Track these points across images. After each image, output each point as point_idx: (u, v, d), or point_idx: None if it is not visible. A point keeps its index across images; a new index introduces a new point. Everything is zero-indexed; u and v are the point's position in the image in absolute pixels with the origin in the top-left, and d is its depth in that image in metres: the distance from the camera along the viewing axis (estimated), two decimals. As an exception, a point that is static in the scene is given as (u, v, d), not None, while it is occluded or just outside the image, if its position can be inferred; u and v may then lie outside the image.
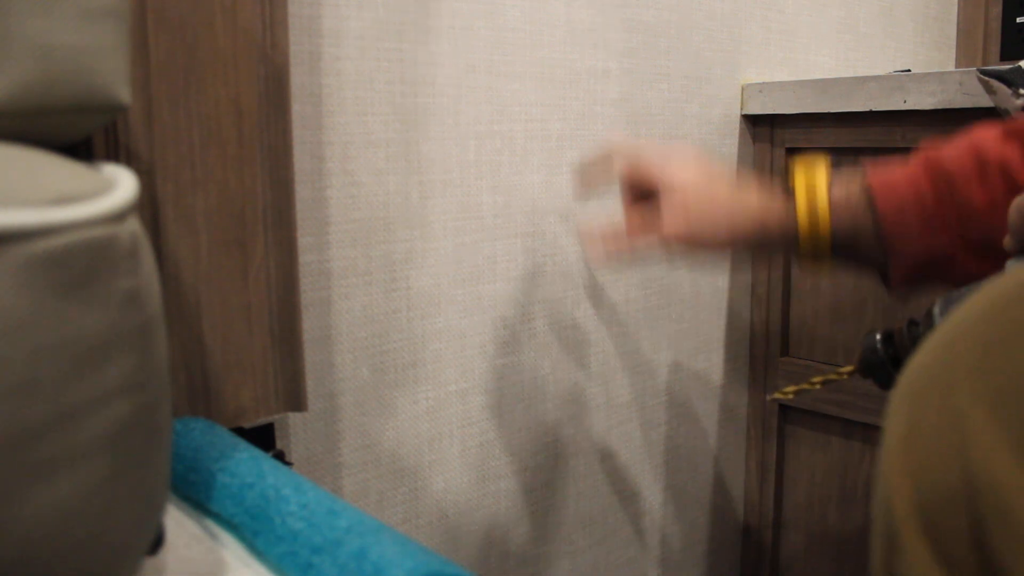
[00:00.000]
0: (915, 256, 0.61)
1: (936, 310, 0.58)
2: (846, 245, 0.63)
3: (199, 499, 0.43)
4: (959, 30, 1.41)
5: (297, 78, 0.61)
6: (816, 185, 0.63)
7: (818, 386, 0.75)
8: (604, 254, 0.65)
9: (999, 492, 0.26)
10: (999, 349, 0.28)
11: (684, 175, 0.63)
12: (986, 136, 0.60)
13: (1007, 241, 0.48)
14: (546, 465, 0.83)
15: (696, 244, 0.64)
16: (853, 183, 0.63)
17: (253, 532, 0.39)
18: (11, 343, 0.26)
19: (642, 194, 0.67)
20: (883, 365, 0.66)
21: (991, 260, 0.59)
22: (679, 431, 0.98)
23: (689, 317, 0.97)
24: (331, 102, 0.63)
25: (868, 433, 0.95)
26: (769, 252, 0.66)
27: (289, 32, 0.54)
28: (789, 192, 0.65)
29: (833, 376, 0.73)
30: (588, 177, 0.71)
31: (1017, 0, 1.35)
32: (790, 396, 0.76)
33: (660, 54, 0.88)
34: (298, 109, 0.61)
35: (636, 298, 0.90)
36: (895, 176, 0.62)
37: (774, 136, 0.98)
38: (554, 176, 0.79)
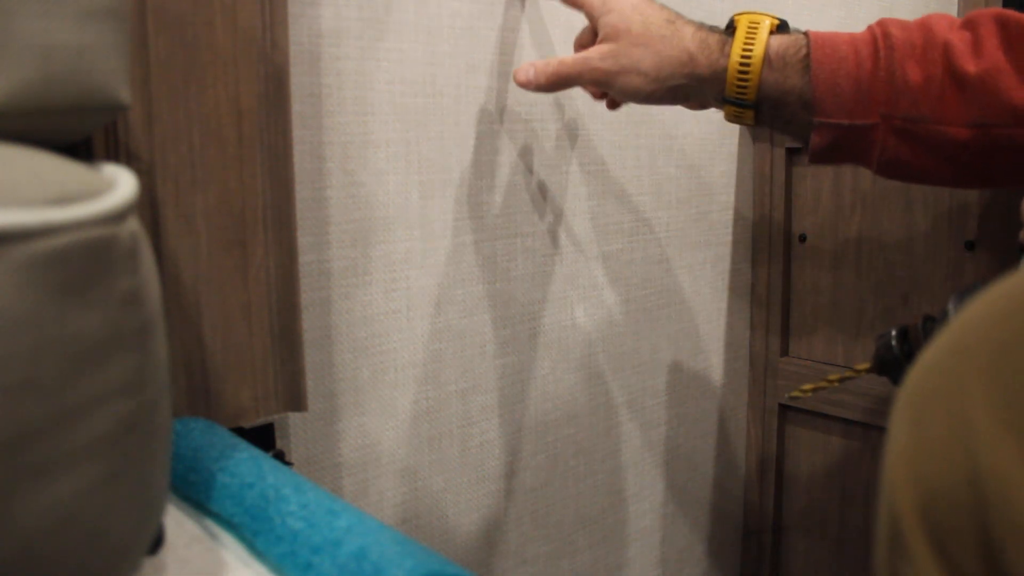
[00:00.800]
0: (839, 124, 0.59)
1: (951, 307, 0.57)
2: (774, 98, 0.61)
3: (199, 499, 0.43)
4: (959, 30, 1.41)
5: (297, 78, 0.61)
6: (757, 29, 0.61)
7: (836, 384, 0.75)
8: (530, 72, 0.65)
9: (1008, 501, 0.25)
10: (1012, 353, 0.26)
11: (619, 20, 0.62)
12: (941, 19, 0.58)
13: (1023, 236, 0.47)
14: (546, 465, 0.83)
15: (621, 70, 0.62)
16: (799, 37, 0.62)
17: (253, 532, 0.39)
18: (11, 343, 0.26)
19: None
20: (898, 362, 0.66)
21: (909, 145, 0.58)
22: (679, 431, 0.98)
23: (689, 317, 0.97)
24: (331, 102, 0.63)
25: (868, 433, 0.95)
26: (697, 96, 0.64)
27: (289, 32, 0.54)
28: (728, 34, 0.63)
29: (850, 373, 0.72)
30: None
31: (1017, 0, 1.35)
32: (809, 394, 0.76)
33: (660, 54, 0.88)
34: (298, 109, 0.61)
35: (636, 298, 0.90)
36: (839, 37, 0.60)
37: (774, 136, 0.98)
38: (553, 176, 0.79)
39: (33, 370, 0.26)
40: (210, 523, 0.42)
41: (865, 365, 0.71)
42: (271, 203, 0.53)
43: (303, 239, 0.62)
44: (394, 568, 0.33)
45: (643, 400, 0.93)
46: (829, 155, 0.61)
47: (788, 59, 0.60)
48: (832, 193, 0.95)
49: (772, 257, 1.00)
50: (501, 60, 0.74)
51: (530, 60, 0.71)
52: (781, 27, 0.62)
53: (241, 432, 0.55)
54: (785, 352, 1.02)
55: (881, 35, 0.58)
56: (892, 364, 0.67)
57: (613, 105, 0.73)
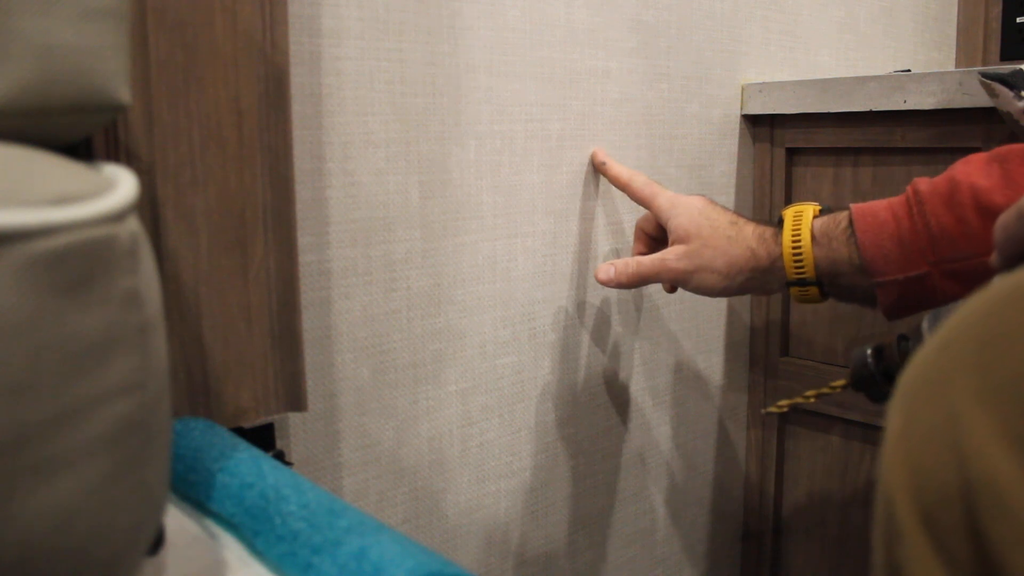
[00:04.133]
0: (897, 280, 0.63)
1: (925, 325, 0.59)
2: (829, 271, 0.66)
3: (199, 499, 0.43)
4: (959, 30, 1.41)
5: (297, 78, 0.61)
6: (802, 214, 0.67)
7: (812, 400, 0.77)
8: (611, 271, 0.73)
9: (994, 485, 0.27)
10: (994, 347, 0.29)
11: (689, 223, 0.70)
12: (968, 162, 0.62)
13: (993, 258, 0.48)
14: (546, 465, 0.83)
15: (696, 269, 0.69)
16: (839, 213, 0.67)
17: (253, 532, 0.39)
18: (11, 343, 0.26)
19: (653, 239, 0.77)
20: (874, 379, 0.68)
21: (966, 283, 0.62)
22: (679, 431, 0.98)
23: (689, 317, 0.97)
24: (331, 102, 0.63)
25: (868, 433, 0.95)
26: (765, 285, 0.70)
27: (289, 32, 0.54)
28: (779, 226, 0.69)
29: (826, 390, 0.74)
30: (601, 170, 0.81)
31: (1017, 0, 1.35)
32: (784, 409, 0.78)
33: (660, 54, 0.88)
34: (298, 109, 0.61)
35: (636, 298, 0.90)
36: (877, 204, 0.65)
37: (774, 136, 0.99)
38: (554, 176, 0.79)
39: (33, 370, 0.26)
40: (210, 523, 0.42)
41: (841, 382, 0.73)
42: (271, 203, 0.53)
43: (303, 239, 0.62)
44: (394, 568, 0.33)
45: (643, 400, 0.93)
46: (900, 309, 0.65)
47: (832, 234, 0.65)
48: (832, 193, 0.95)
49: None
50: (501, 60, 0.74)
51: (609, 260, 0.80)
52: (824, 211, 0.68)
53: (241, 432, 0.55)
54: (785, 352, 1.02)
55: (912, 193, 0.63)
56: (868, 380, 0.69)
57: (672, 290, 0.80)
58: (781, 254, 0.67)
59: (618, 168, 0.79)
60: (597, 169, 0.82)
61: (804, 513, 1.03)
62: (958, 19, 1.41)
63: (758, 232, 0.69)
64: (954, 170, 0.62)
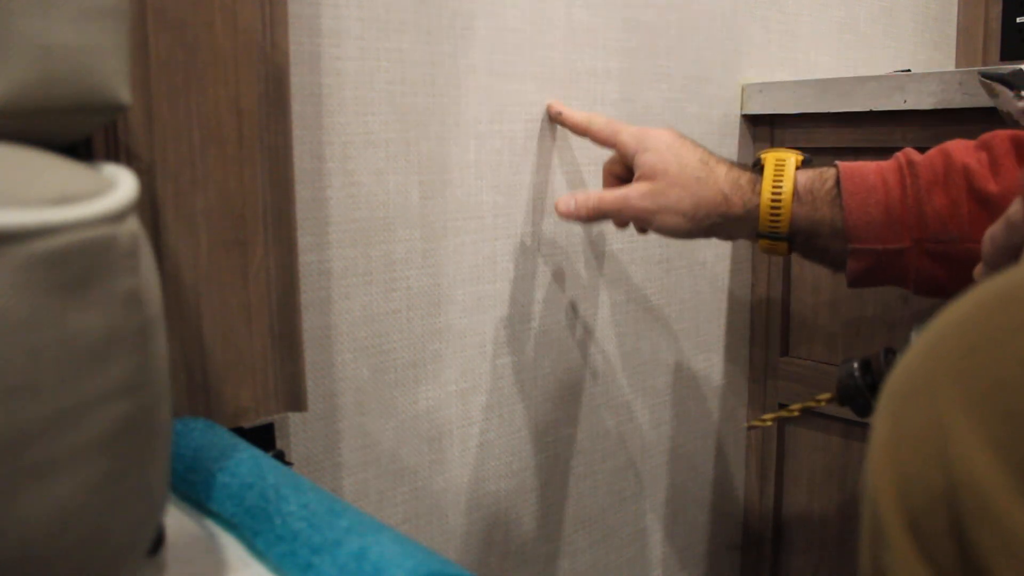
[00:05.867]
0: (873, 249, 0.62)
1: (913, 336, 0.59)
2: (806, 230, 0.64)
3: (199, 499, 0.43)
4: (959, 30, 1.41)
5: (297, 78, 0.61)
6: (785, 165, 0.64)
7: (796, 413, 0.76)
8: (571, 203, 0.69)
9: (978, 491, 0.27)
10: (979, 353, 0.29)
11: (656, 159, 0.66)
12: (959, 144, 0.61)
13: (978, 270, 0.49)
14: (546, 465, 0.83)
15: (660, 209, 0.65)
16: (825, 170, 0.64)
17: (253, 532, 0.39)
18: (11, 343, 0.26)
19: (622, 182, 0.71)
20: (860, 392, 0.67)
21: (943, 265, 0.61)
22: (679, 431, 0.98)
23: (689, 317, 0.97)
24: (331, 102, 0.63)
25: (868, 433, 0.95)
26: (733, 232, 0.67)
27: (289, 32, 0.54)
28: (756, 172, 0.66)
29: (812, 403, 0.74)
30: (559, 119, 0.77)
31: (1017, 0, 1.35)
32: (769, 423, 0.78)
33: (660, 54, 0.88)
34: (298, 109, 0.61)
35: (636, 298, 0.90)
36: (866, 167, 0.63)
37: (774, 136, 0.99)
38: (554, 176, 0.79)
39: (33, 370, 0.26)
40: (210, 523, 0.42)
41: (827, 395, 0.72)
42: (271, 203, 0.53)
43: (303, 239, 0.62)
44: (394, 568, 0.33)
45: (643, 400, 0.93)
46: (866, 279, 0.64)
47: (816, 192, 0.63)
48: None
49: (772, 257, 1.00)
50: (501, 60, 0.74)
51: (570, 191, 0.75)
52: (806, 162, 0.65)
53: (241, 432, 0.55)
54: (785, 352, 1.02)
55: (906, 163, 0.61)
56: (854, 393, 0.68)
57: (643, 232, 0.74)
58: (758, 204, 0.64)
59: (574, 114, 0.75)
60: (554, 120, 0.77)
61: (804, 513, 1.03)
62: (958, 19, 1.41)
63: (732, 176, 0.65)
64: (946, 148, 0.61)
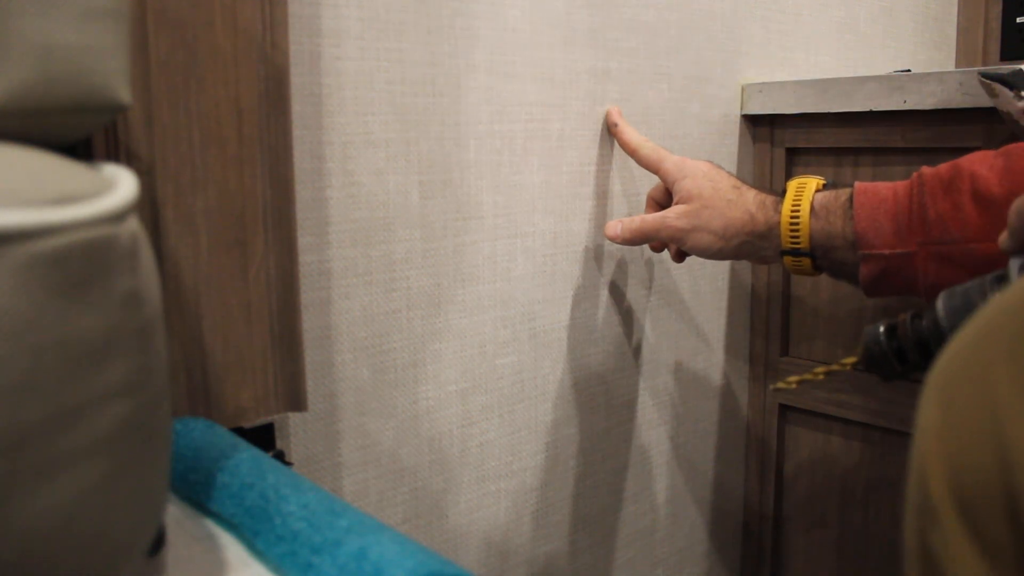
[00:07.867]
0: (883, 255, 0.65)
1: (939, 303, 0.58)
2: (824, 244, 0.68)
3: (199, 499, 0.43)
4: (959, 30, 1.41)
5: (297, 78, 0.61)
6: (806, 187, 0.69)
7: (821, 376, 0.75)
8: (618, 228, 0.76)
9: None
10: None
11: (692, 185, 0.73)
12: (978, 154, 0.63)
13: (1003, 239, 0.49)
14: (546, 465, 0.83)
15: (693, 228, 0.72)
16: (842, 189, 0.68)
17: (253, 532, 0.39)
18: (11, 343, 0.26)
19: (662, 208, 0.79)
20: (886, 357, 0.66)
21: (949, 267, 0.63)
22: (679, 431, 0.98)
23: (689, 317, 0.97)
24: (331, 102, 0.63)
25: (868, 433, 0.95)
26: (760, 249, 0.72)
27: (289, 32, 0.54)
28: (782, 196, 0.70)
29: (836, 367, 0.73)
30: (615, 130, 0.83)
31: (1017, 0, 1.35)
32: (793, 386, 0.77)
33: (660, 54, 0.88)
34: (298, 109, 0.61)
35: (636, 298, 0.90)
36: (881, 184, 0.67)
37: (774, 136, 0.99)
38: (554, 176, 0.79)
39: (33, 370, 0.26)
40: (210, 523, 0.42)
41: (852, 359, 0.71)
42: (271, 203, 0.53)
43: (303, 239, 0.62)
44: (394, 568, 0.33)
45: (643, 400, 0.93)
46: (879, 285, 0.67)
47: (831, 207, 0.67)
48: (832, 193, 0.95)
49: (769, 264, 1.00)
50: (501, 60, 0.74)
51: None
52: (827, 186, 0.70)
53: (241, 432, 0.55)
54: (785, 352, 1.02)
55: (916, 177, 0.65)
56: (879, 359, 0.67)
57: (679, 258, 0.81)
58: (779, 222, 0.69)
59: (629, 133, 0.81)
60: (609, 130, 0.83)
61: (804, 513, 1.03)
62: (958, 19, 1.41)
63: (759, 199, 0.71)
64: (960, 159, 0.64)
